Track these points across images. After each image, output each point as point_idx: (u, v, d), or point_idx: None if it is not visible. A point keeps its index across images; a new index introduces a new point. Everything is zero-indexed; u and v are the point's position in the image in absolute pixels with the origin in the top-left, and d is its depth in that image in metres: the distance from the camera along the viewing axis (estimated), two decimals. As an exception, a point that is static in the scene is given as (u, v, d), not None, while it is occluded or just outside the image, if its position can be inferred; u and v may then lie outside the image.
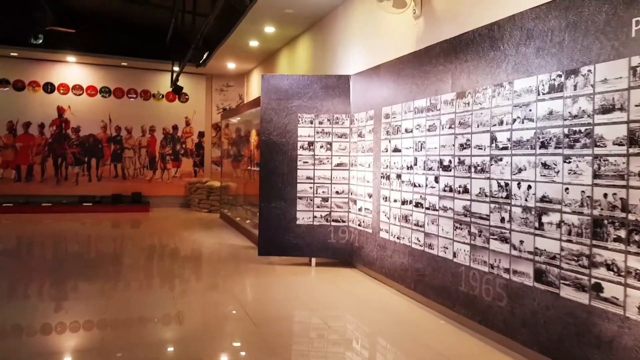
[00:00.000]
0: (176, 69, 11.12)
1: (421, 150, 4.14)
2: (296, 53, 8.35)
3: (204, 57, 9.25)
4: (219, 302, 4.35)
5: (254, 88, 11.15)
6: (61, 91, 11.08)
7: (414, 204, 4.23)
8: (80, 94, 11.21)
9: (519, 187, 3.02)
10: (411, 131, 4.29)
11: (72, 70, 11.18)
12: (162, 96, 11.74)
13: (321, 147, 5.59)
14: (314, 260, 5.65)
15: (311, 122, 5.59)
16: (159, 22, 9.58)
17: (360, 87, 5.31)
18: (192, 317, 3.92)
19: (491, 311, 3.27)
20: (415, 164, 4.22)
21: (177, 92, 9.10)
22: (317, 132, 5.59)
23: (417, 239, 4.17)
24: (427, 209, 4.03)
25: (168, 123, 11.83)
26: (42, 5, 8.97)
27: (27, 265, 5.99)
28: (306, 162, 5.61)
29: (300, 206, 5.61)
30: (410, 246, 4.28)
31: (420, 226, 4.12)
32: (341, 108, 5.54)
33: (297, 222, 5.62)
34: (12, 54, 10.46)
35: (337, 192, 5.57)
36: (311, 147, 5.60)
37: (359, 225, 5.30)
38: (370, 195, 5.06)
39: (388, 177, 4.68)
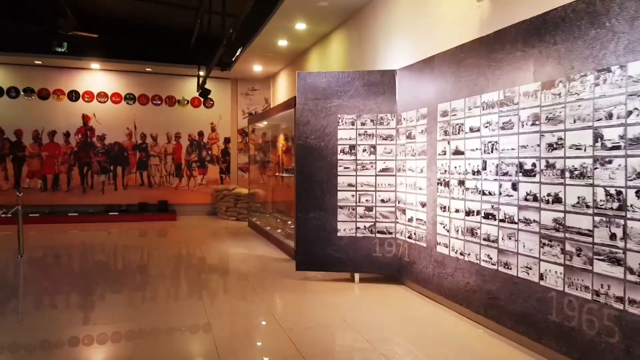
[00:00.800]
0: (201, 73, 10.76)
1: (492, 152, 3.54)
2: (328, 51, 7.83)
3: (236, 55, 8.75)
4: (257, 327, 3.82)
5: (280, 91, 10.69)
6: (86, 99, 10.83)
7: (482, 214, 3.63)
8: (104, 102, 10.95)
9: (638, 197, 2.41)
10: (477, 130, 3.70)
11: (96, 78, 10.92)
12: (187, 102, 11.38)
13: (364, 150, 5.04)
14: (357, 275, 5.09)
15: (352, 124, 5.05)
16: (183, 25, 9.21)
17: (408, 82, 4.74)
18: (228, 345, 3.40)
19: (596, 348, 2.65)
20: (484, 168, 3.62)
21: (204, 95, 8.70)
22: (360, 135, 5.04)
23: (488, 256, 3.57)
24: (502, 221, 3.43)
25: (193, 129, 11.47)
26: (65, 11, 8.70)
27: (53, 275, 5.64)
28: (347, 168, 5.06)
29: (341, 216, 5.06)
30: (478, 264, 3.68)
31: (492, 241, 3.52)
32: (386, 107, 4.97)
33: (338, 234, 5.07)
34: (36, 62, 10.25)
35: (382, 201, 5.00)
36: (353, 151, 5.05)
37: (410, 237, 4.72)
38: (423, 204, 4.47)
39: (447, 184, 4.09)
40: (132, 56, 10.24)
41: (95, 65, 10.57)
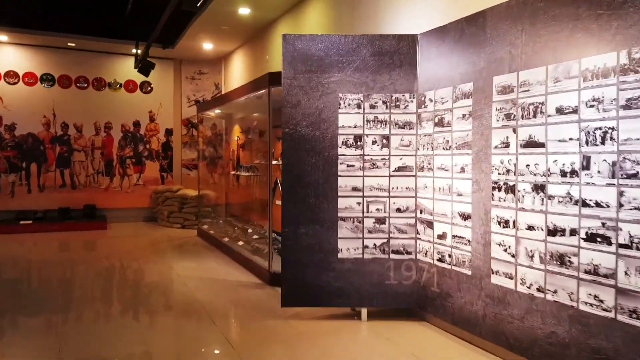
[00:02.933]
0: (138, 52, 9.00)
1: (603, 142, 2.38)
2: (304, 20, 6.42)
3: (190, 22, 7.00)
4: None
5: (234, 75, 9.16)
6: (-11, 79, 8.73)
7: (583, 235, 2.47)
8: (15, 83, 8.88)
9: None
10: (573, 111, 2.53)
11: (4, 53, 8.82)
12: (120, 85, 9.54)
13: (374, 142, 3.75)
14: (364, 311, 3.80)
15: (358, 106, 3.75)
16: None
17: (437, 51, 3.51)
18: None
19: None
20: (586, 167, 2.46)
21: (145, 70, 7.02)
22: (368, 121, 3.75)
23: (596, 297, 2.41)
24: (624, 246, 2.28)
25: (128, 118, 9.65)
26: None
27: None
28: (351, 166, 3.76)
29: (343, 231, 3.75)
30: (574, 307, 2.52)
31: (605, 275, 2.36)
32: (403, 84, 3.72)
33: (339, 256, 3.76)
34: None
35: (398, 210, 3.75)
36: (359, 144, 3.75)
37: (440, 260, 3.50)
38: (465, 216, 3.26)
39: (510, 189, 2.90)
40: (51, 27, 8.28)
41: (2, 36, 8.49)
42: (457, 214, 3.34)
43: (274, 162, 6.71)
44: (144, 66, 6.90)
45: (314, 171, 3.76)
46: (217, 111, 8.39)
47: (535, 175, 2.75)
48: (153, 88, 9.76)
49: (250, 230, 6.91)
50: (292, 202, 3.78)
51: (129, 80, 9.56)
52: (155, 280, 5.22)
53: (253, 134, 7.70)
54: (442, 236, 3.50)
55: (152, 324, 3.84)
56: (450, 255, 3.42)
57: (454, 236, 3.38)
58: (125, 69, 9.50)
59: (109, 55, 9.40)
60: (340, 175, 3.76)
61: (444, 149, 3.46)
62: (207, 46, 8.66)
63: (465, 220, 3.28)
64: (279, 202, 6.91)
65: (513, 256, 2.88)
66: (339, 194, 3.76)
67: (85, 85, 9.30)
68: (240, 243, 6.36)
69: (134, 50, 9.11)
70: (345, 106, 3.75)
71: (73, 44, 8.86)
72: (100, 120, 9.44)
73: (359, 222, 3.76)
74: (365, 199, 3.76)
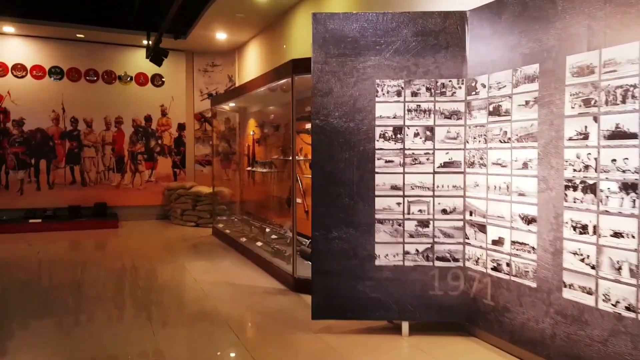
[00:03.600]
0: (146, 42, 8.62)
1: None
2: (328, 6, 5.97)
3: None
4: None
5: (249, 66, 8.75)
6: (-4, 73, 8.42)
7: (695, 246, 2.02)
8: (23, 76, 8.56)
9: None
10: (681, 94, 2.07)
11: (11, 45, 8.50)
12: (131, 78, 9.18)
13: (416, 135, 3.31)
14: (405, 325, 3.38)
15: (398, 94, 3.31)
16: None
17: (492, 28, 3.06)
18: None
19: None
20: (700, 163, 2.00)
21: (158, 59, 6.62)
22: (409, 111, 3.31)
23: None
24: None
25: (139, 113, 9.29)
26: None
27: None
28: (390, 162, 3.32)
29: (381, 235, 3.33)
30: (681, 333, 2.07)
31: None
32: (450, 68, 3.27)
33: (377, 263, 3.33)
34: None
35: (443, 211, 3.31)
36: (398, 136, 3.32)
37: (496, 269, 3.06)
38: (529, 220, 2.82)
39: (590, 188, 2.44)
40: (59, 17, 7.93)
41: (8, 28, 8.16)
42: (518, 216, 2.90)
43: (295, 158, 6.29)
44: (156, 55, 6.51)
45: (348, 168, 3.34)
46: (232, 104, 7.99)
47: (624, 172, 2.29)
48: (165, 81, 9.39)
49: (267, 230, 6.51)
50: (324, 203, 3.36)
51: (140, 73, 9.20)
52: (169, 284, 4.85)
53: (270, 127, 7.29)
54: (498, 242, 3.05)
55: (167, 337, 3.46)
56: (508, 264, 2.98)
57: (513, 242, 2.94)
58: (136, 61, 9.14)
59: (119, 47, 9.04)
60: (377, 172, 3.33)
61: (501, 141, 3.01)
62: (221, 36, 8.25)
63: (528, 225, 2.83)
64: (299, 201, 6.51)
65: (593, 267, 2.44)
66: (376, 193, 3.33)
67: (95, 78, 8.96)
68: (259, 244, 5.97)
69: (144, 42, 8.73)
70: (383, 94, 3.31)
71: (82, 36, 8.51)
72: (110, 114, 9.09)
73: (399, 225, 3.33)
74: (406, 198, 3.32)
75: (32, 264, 5.97)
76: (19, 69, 8.54)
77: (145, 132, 9.34)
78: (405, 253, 3.34)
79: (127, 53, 9.11)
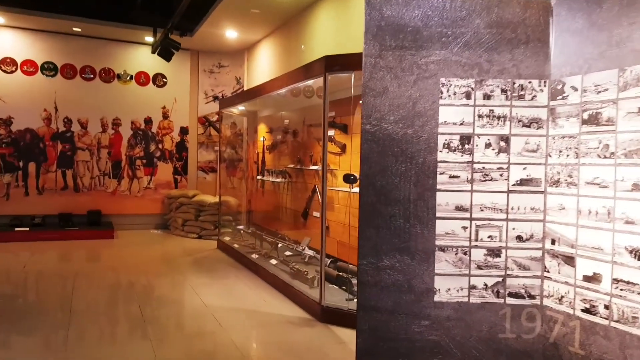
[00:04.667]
0: (150, 39, 8.06)
1: None
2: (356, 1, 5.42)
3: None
4: None
5: (259, 68, 8.19)
6: (-15, 68, 7.80)
7: None
8: (12, 71, 7.94)
9: None
10: None
11: (0, 37, 7.88)
12: (131, 77, 8.59)
13: (487, 145, 2.76)
14: (468, 373, 2.80)
15: (467, 96, 2.76)
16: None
17: (588, 19, 2.52)
18: None
19: None
20: None
21: (167, 52, 6.04)
22: (480, 116, 2.76)
23: None
24: None
25: (139, 115, 8.69)
26: None
27: None
28: (455, 178, 2.76)
29: (442, 265, 2.76)
30: None
31: None
32: (530, 66, 2.72)
33: (436, 298, 2.76)
34: None
35: (518, 238, 2.75)
36: (466, 147, 2.76)
37: (587, 310, 2.50)
38: (641, 254, 2.27)
39: None
40: (54, 8, 7.34)
41: (-2, 19, 7.56)
42: (625, 249, 2.34)
43: (313, 167, 5.74)
44: (165, 47, 5.91)
45: (404, 183, 2.77)
46: (241, 108, 7.43)
47: None
48: (167, 81, 8.80)
49: (280, 245, 5.93)
50: (374, 225, 2.79)
51: (141, 71, 8.61)
52: (175, 309, 4.24)
53: (283, 134, 6.72)
54: (592, 278, 2.49)
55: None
56: (607, 307, 2.42)
57: (615, 280, 2.38)
58: (137, 59, 8.55)
59: (119, 43, 8.45)
60: (439, 190, 2.76)
61: (599, 156, 2.47)
62: (231, 34, 7.70)
63: (639, 260, 2.28)
64: (316, 214, 5.94)
65: None
66: (438, 214, 2.76)
67: (92, 76, 8.35)
68: (273, 262, 5.38)
69: (147, 38, 8.17)
70: (449, 95, 2.76)
71: (79, 29, 7.91)
72: (107, 115, 8.48)
73: (464, 254, 2.76)
74: (473, 222, 2.76)
75: (18, 276, 5.33)
76: (8, 64, 7.92)
77: (145, 135, 8.74)
78: (471, 287, 2.77)
79: (128, 50, 8.52)
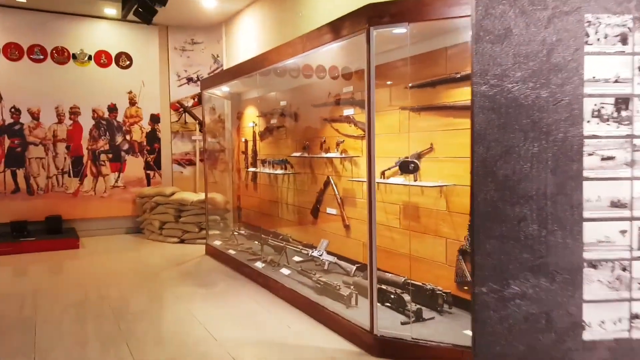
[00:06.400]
0: (111, 12, 6.87)
1: None
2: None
3: None
4: None
5: (241, 43, 7.12)
6: None
7: None
8: (-58, 55, 6.56)
9: None
10: None
11: None
12: (89, 57, 7.33)
13: (653, 111, 1.90)
14: None
15: (623, 40, 1.89)
16: None
17: None
18: None
19: None
20: None
21: (148, 7, 4.90)
22: (644, 69, 1.90)
23: None
24: None
25: (101, 101, 7.45)
26: None
27: None
28: (609, 160, 1.90)
29: (593, 288, 1.91)
30: None
31: None
32: None
33: (585, 336, 1.91)
34: None
35: (697, 243, 1.92)
36: (624, 114, 1.90)
37: None
38: None
39: None
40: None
41: None
42: None
43: (327, 155, 4.81)
44: (143, 4, 4.73)
45: (537, 170, 1.89)
46: (225, 89, 6.37)
47: None
48: (133, 62, 7.58)
49: (284, 244, 4.98)
50: (495, 235, 1.89)
51: (101, 51, 7.36)
52: (176, 346, 3.21)
53: (280, 117, 5.73)
54: None
55: None
56: None
57: None
58: (96, 35, 7.31)
59: (73, 17, 7.16)
60: (587, 178, 1.90)
61: None
62: (208, 3, 6.57)
63: None
64: (332, 211, 5.01)
65: None
66: (586, 214, 1.90)
67: (42, 57, 7.04)
68: (286, 271, 4.43)
69: (107, 10, 6.94)
70: (597, 40, 1.88)
71: (23, 0, 6.58)
72: (63, 103, 7.20)
73: (623, 270, 1.92)
74: (635, 223, 1.91)
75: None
76: (-62, 45, 6.53)
77: (110, 125, 7.51)
78: (633, 317, 1.93)
79: (85, 25, 7.24)
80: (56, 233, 6.79)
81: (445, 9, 2.74)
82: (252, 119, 6.46)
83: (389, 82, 3.91)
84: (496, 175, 1.89)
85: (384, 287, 3.47)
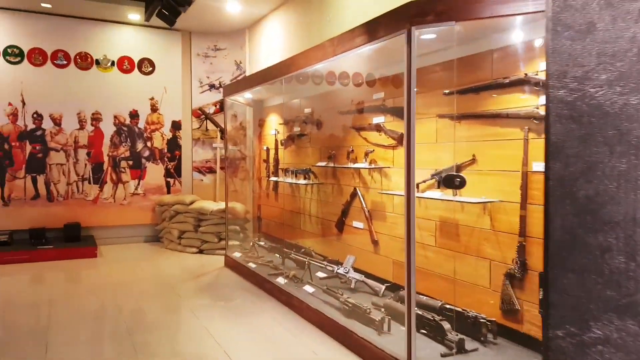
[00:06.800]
0: (135, 17, 6.77)
1: None
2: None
3: None
4: None
5: (264, 49, 6.93)
6: None
7: None
8: (-33, 59, 6.54)
9: None
10: None
11: (-51, 16, 6.47)
12: (112, 63, 7.24)
13: None
14: None
15: None
16: None
17: None
18: None
19: None
20: None
21: (172, 9, 4.76)
22: None
23: None
24: None
25: (122, 108, 7.35)
26: None
27: None
28: None
29: (690, 334, 1.57)
30: None
31: None
32: None
33: (682, 391, 1.57)
34: None
35: None
36: None
37: None
38: None
39: None
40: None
41: (-56, -8, 6.14)
42: None
43: (355, 165, 4.53)
44: (167, 5, 4.57)
45: (625, 191, 1.57)
46: (248, 95, 6.18)
47: None
48: (155, 68, 7.46)
49: (307, 260, 4.70)
50: (573, 268, 1.59)
51: (124, 56, 7.27)
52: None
53: (303, 125, 5.49)
54: None
55: None
56: None
57: None
58: (120, 41, 7.22)
59: (97, 23, 7.10)
60: (685, 201, 1.58)
61: None
62: (233, 7, 6.40)
63: None
64: (358, 225, 4.73)
65: None
66: (683, 244, 1.58)
67: (66, 62, 6.97)
68: (310, 289, 4.16)
69: (131, 16, 6.85)
70: (700, 35, 1.57)
71: (48, 5, 6.52)
72: (85, 109, 7.12)
73: None
74: None
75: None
76: (-37, 49, 6.51)
77: (131, 132, 7.40)
78: None
79: (108, 30, 7.17)
80: (74, 241, 6.67)
81: (497, 6, 2.46)
82: (274, 126, 6.24)
83: (425, 88, 3.63)
84: (576, 196, 1.59)
85: (419, 311, 3.17)
